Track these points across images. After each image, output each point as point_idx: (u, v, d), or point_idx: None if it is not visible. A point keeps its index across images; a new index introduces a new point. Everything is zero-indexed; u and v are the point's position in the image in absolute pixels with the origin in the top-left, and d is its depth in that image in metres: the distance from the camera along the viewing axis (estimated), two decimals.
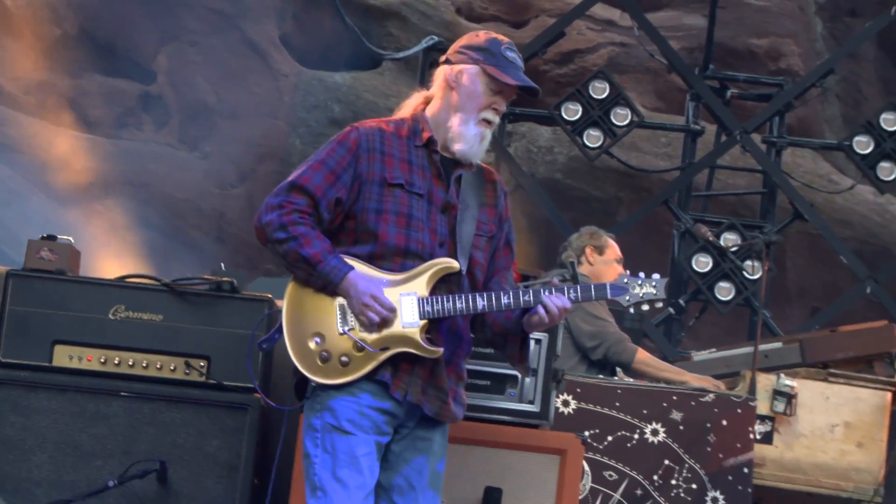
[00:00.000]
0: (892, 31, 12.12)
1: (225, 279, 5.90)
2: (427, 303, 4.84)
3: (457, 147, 4.93)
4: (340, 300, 4.84)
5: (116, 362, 5.80)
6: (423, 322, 4.85)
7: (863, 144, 11.05)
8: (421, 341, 4.84)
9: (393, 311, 4.81)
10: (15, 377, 5.73)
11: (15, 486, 5.68)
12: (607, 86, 11.02)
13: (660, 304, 5.10)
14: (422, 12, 13.79)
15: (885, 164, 11.03)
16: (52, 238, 5.99)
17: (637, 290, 5.02)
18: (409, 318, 4.84)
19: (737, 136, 11.30)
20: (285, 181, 4.90)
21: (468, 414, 5.52)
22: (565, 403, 7.00)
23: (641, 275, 5.06)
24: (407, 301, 4.84)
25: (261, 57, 13.30)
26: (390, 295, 4.83)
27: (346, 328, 4.83)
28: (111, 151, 12.68)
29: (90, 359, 5.80)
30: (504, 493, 5.54)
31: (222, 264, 6.10)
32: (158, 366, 5.82)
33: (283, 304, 4.90)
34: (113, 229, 12.52)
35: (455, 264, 4.89)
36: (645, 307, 5.10)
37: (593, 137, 11.01)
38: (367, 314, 4.79)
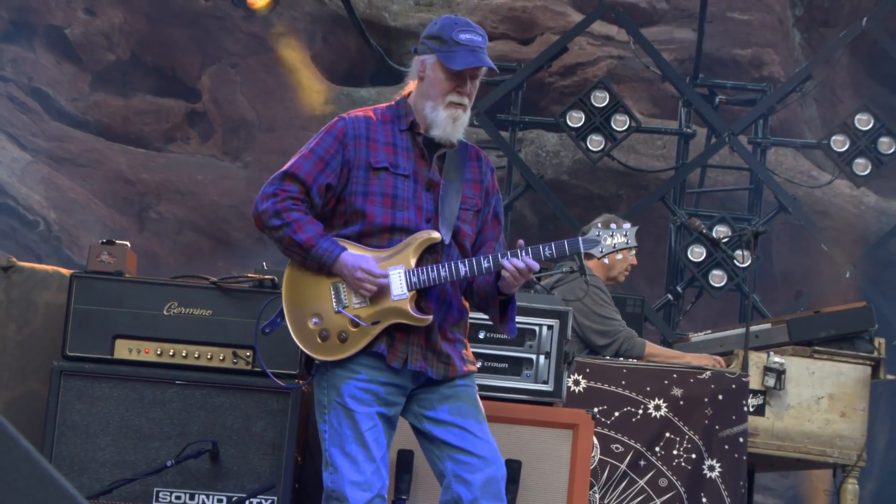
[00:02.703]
0: (863, 40, 12.06)
1: (267, 276, 5.88)
2: (413, 274, 4.67)
3: (433, 133, 4.78)
4: (334, 280, 4.70)
5: (171, 354, 5.79)
6: (412, 293, 4.68)
7: (839, 143, 11.03)
8: (410, 311, 4.67)
9: (385, 277, 4.65)
10: (80, 369, 5.73)
11: (81, 466, 5.68)
12: (607, 95, 10.99)
13: (633, 253, 4.93)
14: None
15: (859, 161, 11.02)
16: (110, 242, 5.97)
17: (609, 240, 4.79)
18: (397, 291, 4.67)
19: (725, 137, 11.26)
20: (279, 171, 4.76)
21: (489, 394, 5.51)
22: (576, 383, 6.97)
23: (613, 225, 4.88)
24: (395, 275, 4.67)
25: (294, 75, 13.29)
26: None
27: (341, 306, 4.69)
28: (161, 163, 12.69)
29: (147, 351, 5.79)
30: (523, 464, 5.52)
31: (264, 263, 6.05)
32: (209, 356, 5.81)
33: (283, 290, 4.76)
34: (165, 233, 12.54)
35: (436, 235, 4.72)
36: (619, 256, 4.89)
37: (595, 142, 10.98)
38: (364, 286, 4.65)
